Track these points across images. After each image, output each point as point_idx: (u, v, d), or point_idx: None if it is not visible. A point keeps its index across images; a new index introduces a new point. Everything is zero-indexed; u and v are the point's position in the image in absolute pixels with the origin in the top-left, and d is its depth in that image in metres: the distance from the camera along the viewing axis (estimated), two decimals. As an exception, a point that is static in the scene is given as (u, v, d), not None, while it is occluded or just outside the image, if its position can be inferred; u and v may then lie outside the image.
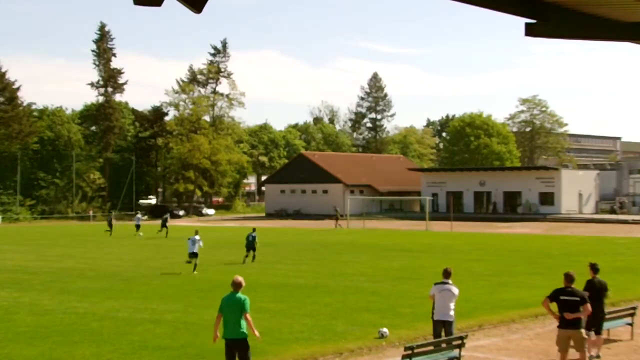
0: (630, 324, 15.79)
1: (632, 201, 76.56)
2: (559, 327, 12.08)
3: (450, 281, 13.37)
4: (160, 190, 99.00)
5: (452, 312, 13.14)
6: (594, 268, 14.34)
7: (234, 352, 11.20)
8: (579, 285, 14.53)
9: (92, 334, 15.74)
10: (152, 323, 16.97)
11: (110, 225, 53.58)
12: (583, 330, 12.19)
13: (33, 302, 20.44)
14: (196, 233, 29.29)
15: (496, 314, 18.36)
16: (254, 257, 31.51)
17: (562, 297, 11.93)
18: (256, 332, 11.35)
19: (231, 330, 11.18)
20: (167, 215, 55.51)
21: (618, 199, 77.44)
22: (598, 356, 14.16)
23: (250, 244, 31.70)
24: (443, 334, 13.04)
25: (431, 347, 12.40)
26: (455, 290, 13.24)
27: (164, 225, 50.53)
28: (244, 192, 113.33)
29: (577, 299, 11.89)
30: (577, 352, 12.15)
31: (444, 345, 12.58)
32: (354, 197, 76.59)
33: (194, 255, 28.20)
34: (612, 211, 74.55)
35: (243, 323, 11.19)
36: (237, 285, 11.36)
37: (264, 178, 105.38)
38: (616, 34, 8.52)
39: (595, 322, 14.12)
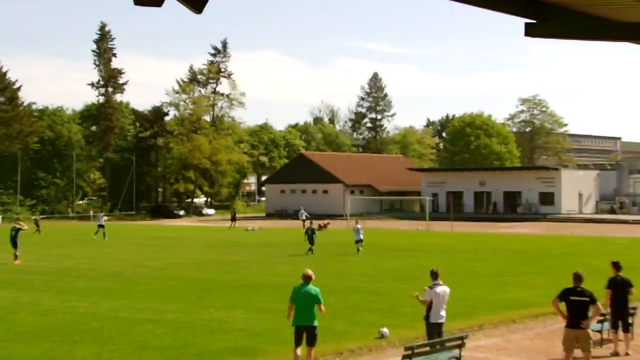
0: (631, 324, 15.78)
1: (632, 201, 76.57)
2: (567, 326, 12.09)
3: (440, 281, 13.31)
4: (160, 190, 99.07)
5: (445, 312, 13.22)
6: (617, 266, 14.29)
7: (303, 337, 12.56)
8: (601, 283, 14.58)
9: (93, 334, 15.75)
10: (152, 323, 16.98)
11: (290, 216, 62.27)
12: (589, 330, 12.23)
13: (33, 302, 20.45)
14: (357, 222, 37.38)
15: (496, 314, 18.36)
16: (311, 250, 34.49)
17: (572, 297, 11.96)
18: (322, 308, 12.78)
19: (304, 319, 12.54)
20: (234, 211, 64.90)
21: (618, 199, 77.45)
22: (627, 353, 14.24)
23: (311, 238, 34.59)
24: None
25: (431, 347, 12.40)
26: (448, 290, 13.28)
27: (233, 219, 60.05)
28: (244, 192, 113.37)
29: (587, 299, 11.94)
30: (583, 352, 12.18)
31: (444, 345, 12.59)
32: (354, 197, 76.58)
33: (360, 241, 35.06)
34: (612, 211, 74.55)
35: (314, 312, 12.57)
36: (308, 278, 12.70)
37: (264, 178, 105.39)
38: (616, 34, 8.52)
39: (621, 319, 14.20)
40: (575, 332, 11.99)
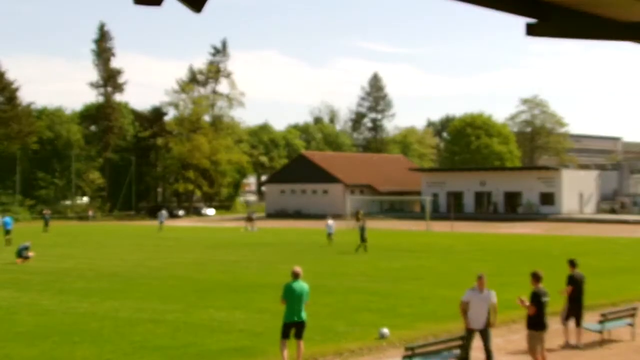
0: (631, 325, 15.78)
1: (632, 201, 76.51)
2: (537, 328, 12.13)
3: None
4: (159, 190, 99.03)
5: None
6: (573, 263, 15.06)
7: (291, 332, 12.95)
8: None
9: (92, 334, 15.73)
10: (152, 323, 16.96)
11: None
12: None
13: (33, 302, 20.43)
14: (329, 219, 42.42)
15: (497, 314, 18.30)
16: (365, 247, 35.40)
17: (543, 299, 12.09)
18: None
19: (298, 315, 12.92)
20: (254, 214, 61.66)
21: (619, 199, 77.39)
22: (577, 346, 14.65)
23: (362, 235, 35.64)
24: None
25: (432, 348, 12.39)
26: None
27: (250, 219, 57.73)
28: (244, 192, 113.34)
29: (548, 298, 12.21)
30: (542, 350, 12.30)
31: (444, 345, 12.56)
32: (354, 197, 76.55)
33: (329, 235, 40.38)
34: (613, 211, 74.49)
35: (303, 308, 12.99)
36: (297, 274, 13.18)
37: (264, 178, 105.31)
38: (616, 34, 8.50)
39: (577, 314, 14.73)
40: (543, 333, 12.12)
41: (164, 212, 55.92)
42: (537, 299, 12.05)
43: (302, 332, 13.10)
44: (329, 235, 40.79)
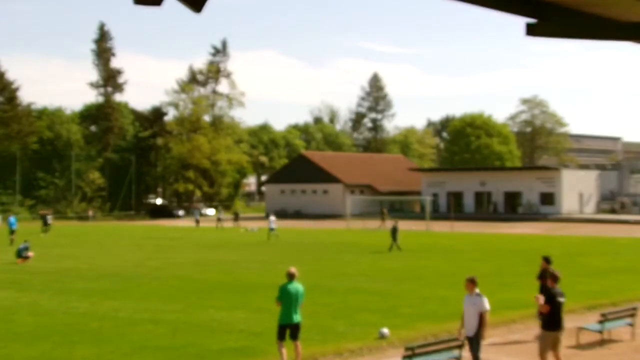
0: (631, 325, 15.79)
1: (633, 201, 76.50)
2: (550, 329, 12.08)
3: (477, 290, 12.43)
4: (160, 190, 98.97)
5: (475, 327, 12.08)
6: (548, 260, 15.41)
7: (286, 334, 12.90)
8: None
9: (92, 334, 15.73)
10: (152, 323, 16.96)
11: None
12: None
13: (33, 302, 20.43)
14: (271, 215, 48.62)
15: (496, 314, 18.26)
16: (397, 246, 36.07)
17: (558, 299, 12.02)
18: None
19: (294, 316, 12.90)
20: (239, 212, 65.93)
21: (619, 199, 77.40)
22: None
23: (394, 236, 36.45)
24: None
25: (432, 348, 12.39)
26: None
27: (236, 219, 62.08)
28: (244, 192, 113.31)
29: (564, 299, 12.13)
30: (555, 351, 12.26)
31: (444, 345, 12.56)
32: (354, 197, 76.54)
33: (272, 230, 44.73)
34: (613, 211, 74.48)
35: (299, 309, 13.01)
36: (293, 275, 13.14)
37: (264, 178, 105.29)
38: (616, 34, 8.50)
39: None
40: (558, 333, 12.05)
41: (197, 211, 57.37)
42: (552, 299, 12.01)
43: (298, 333, 13.06)
44: (271, 230, 44.74)
